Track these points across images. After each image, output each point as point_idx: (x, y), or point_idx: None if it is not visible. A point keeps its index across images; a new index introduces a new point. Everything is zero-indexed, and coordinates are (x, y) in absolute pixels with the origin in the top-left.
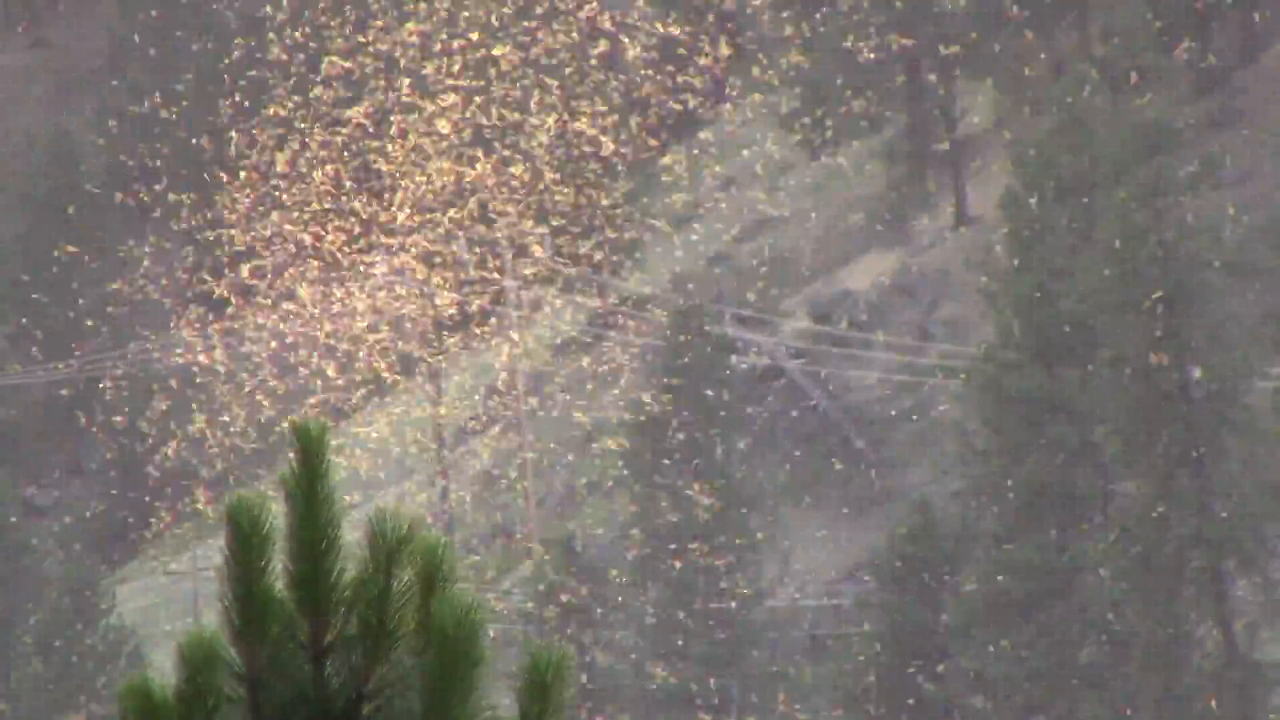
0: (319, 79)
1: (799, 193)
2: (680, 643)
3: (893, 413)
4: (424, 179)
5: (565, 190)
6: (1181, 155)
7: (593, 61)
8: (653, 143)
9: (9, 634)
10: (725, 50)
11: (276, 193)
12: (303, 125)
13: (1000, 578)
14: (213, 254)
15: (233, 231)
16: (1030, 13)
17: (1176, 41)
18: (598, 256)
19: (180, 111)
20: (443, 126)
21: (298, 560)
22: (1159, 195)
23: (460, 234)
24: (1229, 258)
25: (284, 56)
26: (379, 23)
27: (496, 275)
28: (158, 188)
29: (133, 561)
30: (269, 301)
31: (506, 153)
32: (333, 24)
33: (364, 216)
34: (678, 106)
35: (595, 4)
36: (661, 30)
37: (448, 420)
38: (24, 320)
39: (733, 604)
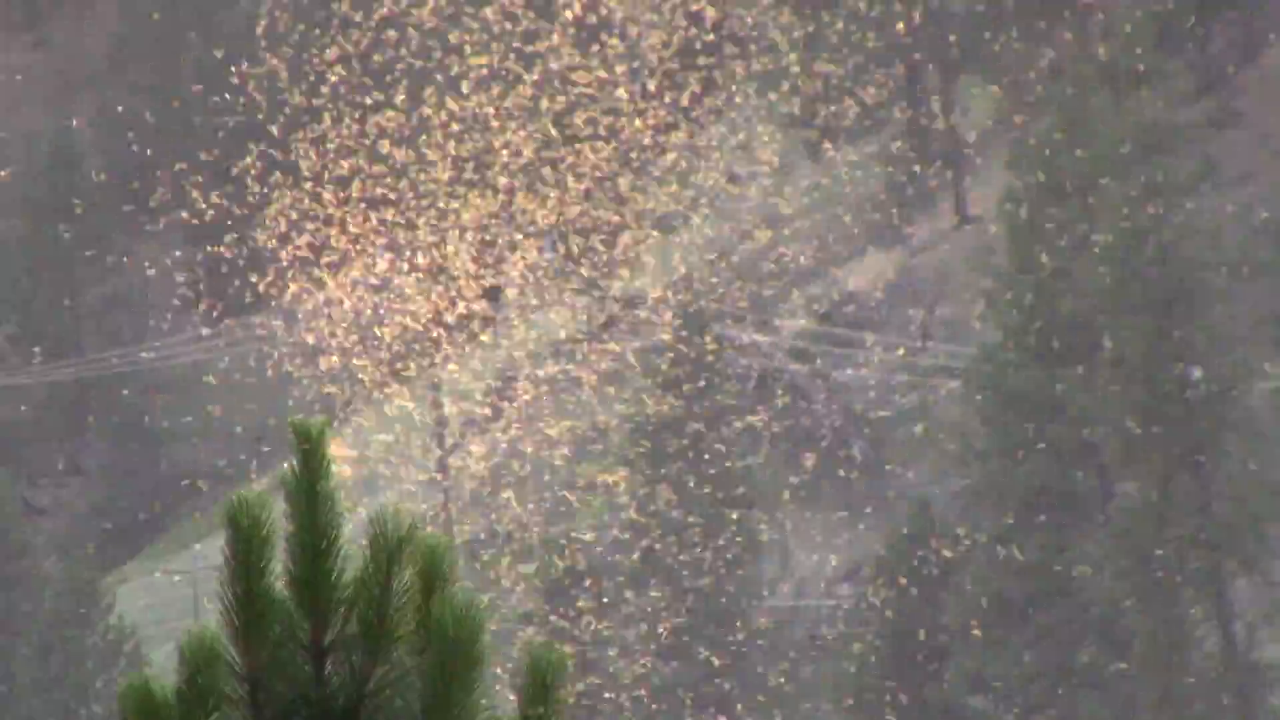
0: (319, 79)
1: (799, 193)
2: (680, 643)
3: (893, 413)
4: (424, 179)
5: (565, 190)
6: (1181, 155)
7: (593, 60)
8: (653, 142)
9: (9, 634)
10: (726, 49)
11: (277, 192)
12: (303, 122)
13: (1000, 578)
14: (212, 254)
15: (231, 232)
16: (1030, 13)
17: (1176, 42)
18: (598, 256)
19: (181, 111)
20: (442, 126)
21: (298, 560)
22: (1159, 195)
23: (460, 234)
24: (1229, 258)
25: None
26: (377, 17)
27: (496, 275)
28: (158, 187)
29: (133, 561)
30: (268, 301)
31: (507, 153)
32: (325, 30)
33: (364, 216)
34: (677, 110)
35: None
36: (660, 28)
37: (447, 420)
38: (24, 320)
39: (733, 604)
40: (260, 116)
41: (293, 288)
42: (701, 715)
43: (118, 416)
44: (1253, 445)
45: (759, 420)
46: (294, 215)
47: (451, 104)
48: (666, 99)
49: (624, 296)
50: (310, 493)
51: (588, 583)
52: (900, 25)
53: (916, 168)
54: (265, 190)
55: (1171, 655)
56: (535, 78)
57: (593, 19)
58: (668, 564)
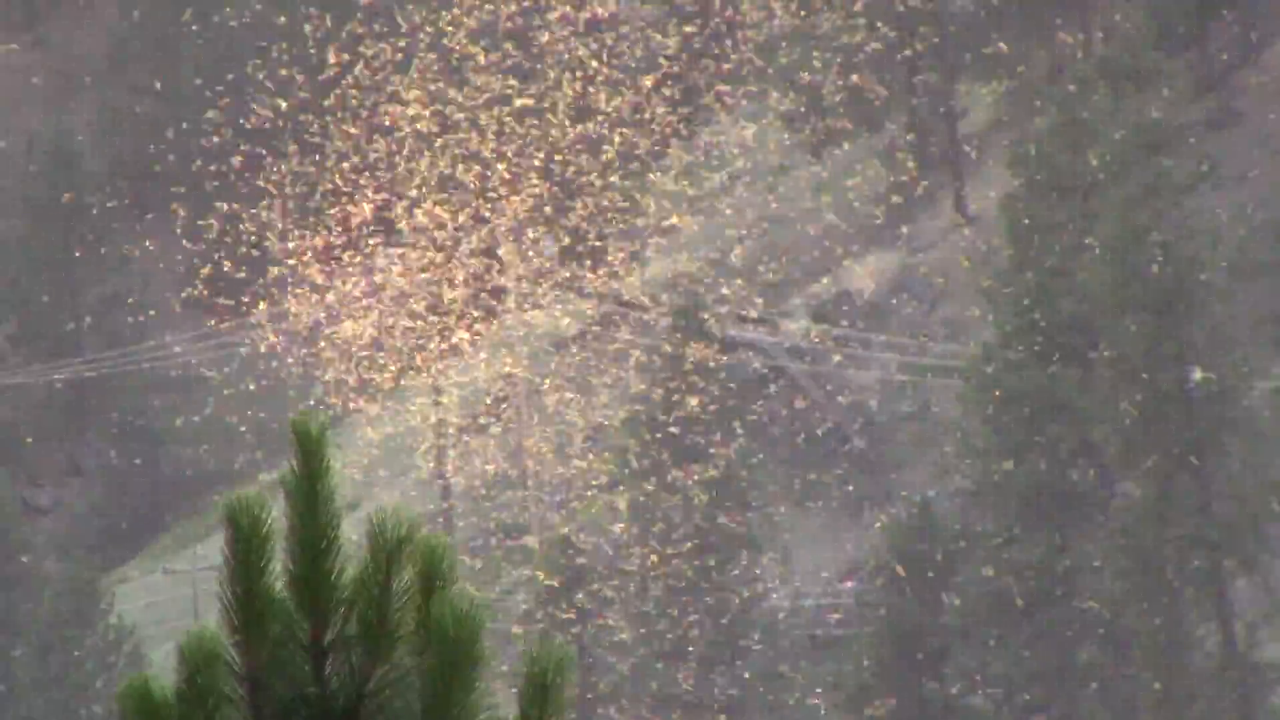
0: (320, 77)
1: (799, 193)
2: (680, 643)
3: (893, 413)
4: (425, 179)
5: (566, 190)
6: (1181, 155)
7: (593, 62)
8: (653, 143)
9: (9, 634)
10: (726, 49)
11: (278, 192)
12: (304, 123)
13: (1000, 578)
14: (211, 253)
15: (230, 231)
16: (1030, 13)
17: (1176, 42)
18: (598, 256)
19: (180, 110)
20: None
21: (298, 560)
22: (1159, 195)
23: (461, 234)
24: (1229, 258)
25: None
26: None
27: (497, 275)
28: (158, 187)
29: (133, 561)
30: (268, 300)
31: (508, 153)
32: (330, 27)
33: (365, 216)
34: (677, 110)
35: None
36: (660, 27)
37: (448, 420)
38: (24, 320)
39: (733, 604)
40: (259, 114)
41: (294, 285)
42: (701, 715)
43: (118, 416)
44: (1253, 445)
45: (758, 420)
46: (294, 215)
47: (453, 102)
48: (667, 96)
49: (624, 296)
50: (310, 493)
51: (588, 583)
52: (900, 25)
53: (912, 165)
54: (266, 190)
55: (1171, 655)
56: (537, 76)
57: (593, 17)
58: (667, 564)
